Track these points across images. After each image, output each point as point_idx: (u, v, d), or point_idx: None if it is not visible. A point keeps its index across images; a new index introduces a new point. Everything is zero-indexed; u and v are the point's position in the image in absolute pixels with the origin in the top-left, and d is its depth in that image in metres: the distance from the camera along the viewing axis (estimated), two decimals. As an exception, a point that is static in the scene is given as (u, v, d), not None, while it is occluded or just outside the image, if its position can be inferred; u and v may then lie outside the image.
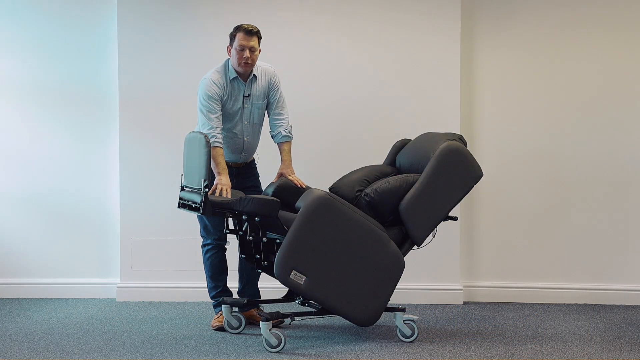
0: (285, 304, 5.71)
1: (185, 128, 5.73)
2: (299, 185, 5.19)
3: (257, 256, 5.04)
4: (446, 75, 6.00)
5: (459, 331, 5.25)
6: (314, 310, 4.95)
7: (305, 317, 4.94)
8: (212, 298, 5.40)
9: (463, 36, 6.03)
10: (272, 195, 5.11)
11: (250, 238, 4.93)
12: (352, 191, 5.03)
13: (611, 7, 6.00)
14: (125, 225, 6.11)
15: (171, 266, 6.12)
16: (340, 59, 6.07)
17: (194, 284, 6.08)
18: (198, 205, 4.81)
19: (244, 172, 5.36)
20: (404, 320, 5.00)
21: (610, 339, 5.07)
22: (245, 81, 5.23)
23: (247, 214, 4.84)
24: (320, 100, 6.08)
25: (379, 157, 5.65)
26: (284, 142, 5.34)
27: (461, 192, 5.07)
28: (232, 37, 5.19)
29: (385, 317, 5.29)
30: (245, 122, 5.27)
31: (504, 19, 6.06)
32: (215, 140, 5.07)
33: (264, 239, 4.93)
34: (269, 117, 5.38)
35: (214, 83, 5.15)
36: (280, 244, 4.86)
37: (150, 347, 4.90)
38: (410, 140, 5.48)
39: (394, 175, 5.22)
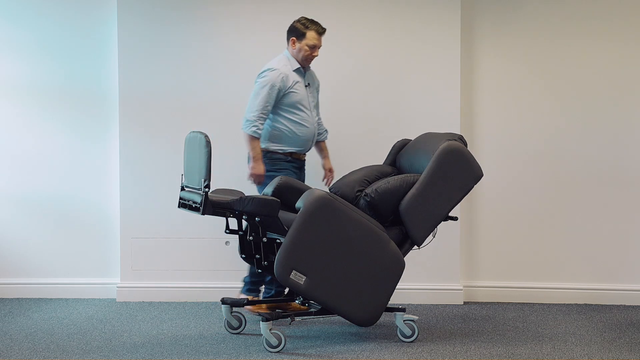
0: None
1: (185, 128, 5.74)
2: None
3: (257, 256, 5.04)
4: (446, 75, 6.00)
5: (459, 331, 5.25)
6: (314, 310, 4.95)
7: (305, 317, 4.95)
8: (246, 291, 5.51)
9: (463, 36, 6.03)
10: (272, 195, 5.11)
11: (250, 238, 4.93)
12: (352, 191, 5.03)
13: (611, 8, 6.00)
14: (125, 226, 6.11)
15: (171, 266, 6.12)
16: (340, 59, 6.06)
17: (194, 284, 6.08)
18: (198, 205, 4.81)
19: (303, 165, 5.59)
20: (404, 320, 5.00)
21: (610, 339, 5.07)
22: (305, 72, 5.50)
23: (247, 214, 4.85)
24: (320, 101, 6.07)
25: (379, 157, 5.65)
26: (324, 140, 5.72)
27: (461, 192, 5.06)
28: (301, 34, 5.40)
29: (385, 317, 5.29)
30: (312, 111, 5.51)
31: (504, 19, 6.06)
32: (257, 130, 5.32)
33: (264, 239, 4.94)
34: None
35: (285, 75, 5.37)
36: (280, 244, 4.86)
37: (150, 347, 4.90)
38: (410, 140, 5.48)
39: (394, 175, 5.23)
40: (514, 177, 6.10)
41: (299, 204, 4.90)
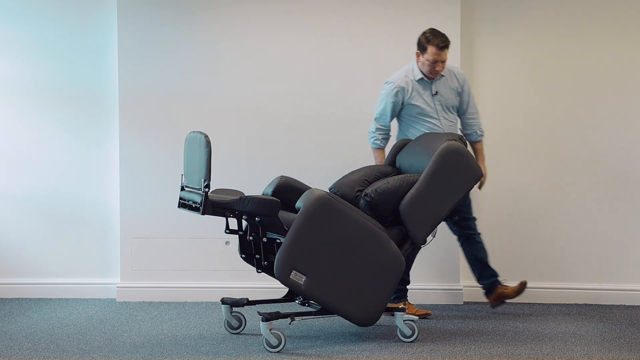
0: (285, 304, 5.71)
1: (185, 128, 5.74)
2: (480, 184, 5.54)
3: (257, 256, 5.04)
4: (446, 75, 6.00)
5: (459, 331, 5.25)
6: (314, 310, 4.95)
7: (305, 317, 4.94)
8: (394, 300, 5.53)
9: (463, 36, 6.03)
10: (272, 195, 5.11)
11: (250, 238, 4.93)
12: (352, 191, 5.03)
13: (613, 5, 6.00)
14: (125, 225, 6.10)
15: (171, 266, 6.12)
16: (340, 59, 6.06)
17: (194, 284, 6.08)
18: (198, 205, 4.81)
19: None
20: (404, 320, 5.00)
21: (610, 339, 5.07)
22: (433, 80, 5.50)
23: (247, 213, 4.84)
24: (320, 101, 6.07)
25: (379, 157, 5.64)
26: (477, 142, 5.66)
27: (461, 192, 5.07)
28: (423, 48, 5.43)
29: (385, 317, 5.29)
30: (442, 118, 5.52)
31: (504, 19, 6.06)
32: (376, 140, 5.57)
33: (264, 239, 4.93)
34: (460, 117, 5.63)
35: (400, 88, 5.48)
36: (280, 244, 4.86)
37: (150, 347, 4.90)
38: (411, 140, 5.48)
39: (394, 175, 5.23)
40: (514, 176, 6.10)
41: (299, 204, 4.90)
